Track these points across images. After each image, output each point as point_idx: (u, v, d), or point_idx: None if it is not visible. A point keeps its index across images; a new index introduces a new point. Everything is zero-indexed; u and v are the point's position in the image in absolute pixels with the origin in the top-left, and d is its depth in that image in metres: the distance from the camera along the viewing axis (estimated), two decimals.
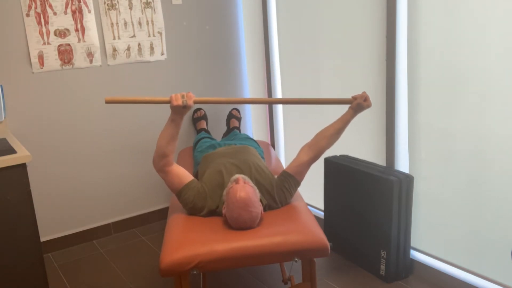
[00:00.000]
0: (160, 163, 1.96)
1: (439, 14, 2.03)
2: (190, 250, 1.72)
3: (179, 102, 1.84)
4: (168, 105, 1.91)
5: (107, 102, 1.87)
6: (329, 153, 2.82)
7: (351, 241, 2.52)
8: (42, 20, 2.66)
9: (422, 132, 2.22)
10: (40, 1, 2.64)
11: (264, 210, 2.03)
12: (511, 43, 1.79)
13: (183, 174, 2.01)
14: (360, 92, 2.52)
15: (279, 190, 2.05)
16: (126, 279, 2.52)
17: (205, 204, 1.99)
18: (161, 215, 3.28)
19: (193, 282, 2.39)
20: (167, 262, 1.70)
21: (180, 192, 2.00)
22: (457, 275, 2.18)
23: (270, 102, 2.04)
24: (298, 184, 2.10)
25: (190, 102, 1.85)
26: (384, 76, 2.35)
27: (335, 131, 2.08)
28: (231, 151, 2.29)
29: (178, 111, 1.87)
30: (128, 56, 2.97)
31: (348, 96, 2.60)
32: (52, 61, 2.73)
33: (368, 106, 2.05)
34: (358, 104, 2.04)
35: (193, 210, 2.00)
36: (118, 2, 2.88)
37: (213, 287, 2.39)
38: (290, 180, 2.06)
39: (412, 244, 2.38)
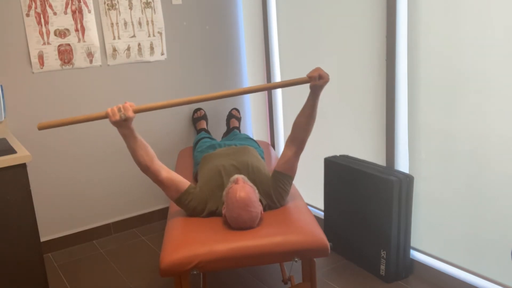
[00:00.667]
0: (149, 174, 1.92)
1: (439, 14, 2.03)
2: (190, 250, 1.72)
3: (117, 116, 1.75)
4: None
5: (40, 129, 1.77)
6: (329, 153, 2.82)
7: (351, 241, 2.52)
8: (42, 20, 2.66)
9: (422, 132, 2.22)
10: (40, 1, 2.64)
11: (264, 210, 2.03)
12: (511, 43, 1.79)
13: (178, 180, 1.96)
14: (362, 91, 2.52)
15: (275, 189, 2.05)
16: (126, 279, 2.52)
17: (205, 206, 1.99)
18: (161, 215, 3.28)
19: (193, 282, 2.39)
20: (167, 262, 1.70)
21: (179, 199, 1.98)
22: (457, 275, 2.18)
23: (230, 95, 1.92)
24: (291, 179, 2.08)
25: (129, 113, 1.75)
26: (384, 76, 2.35)
27: (307, 118, 1.98)
28: (231, 151, 2.29)
29: (120, 124, 1.78)
30: (128, 56, 2.97)
31: (349, 95, 2.60)
32: (52, 61, 2.73)
33: (325, 82, 1.91)
34: (314, 85, 1.92)
35: (193, 214, 2.00)
36: (118, 2, 2.88)
37: (213, 287, 2.39)
38: (282, 177, 2.05)
39: (412, 244, 2.38)
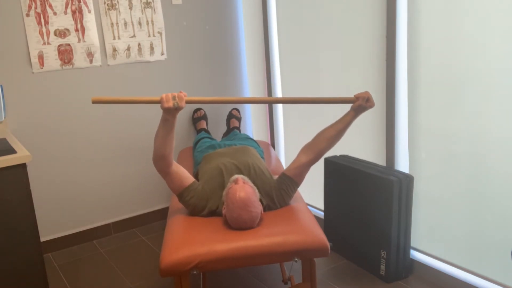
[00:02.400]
0: (160, 164, 1.92)
1: (439, 14, 2.03)
2: (190, 250, 1.72)
3: (170, 104, 1.77)
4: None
5: (94, 102, 1.80)
6: (329, 153, 2.82)
7: (351, 241, 2.52)
8: (42, 20, 2.66)
9: (422, 132, 2.22)
10: (40, 1, 2.64)
11: (264, 210, 2.03)
12: (511, 43, 1.79)
13: (184, 175, 1.99)
14: (361, 91, 2.52)
15: (278, 192, 2.05)
16: (126, 279, 2.52)
17: (206, 204, 2.00)
18: (161, 215, 3.28)
19: (193, 282, 2.39)
20: (167, 262, 1.70)
21: (181, 194, 1.99)
22: (457, 275, 2.18)
23: (268, 102, 1.98)
24: (297, 185, 2.08)
25: (182, 104, 1.79)
26: (384, 76, 2.35)
27: (336, 132, 2.01)
28: (231, 151, 2.29)
29: (170, 112, 1.80)
30: (128, 56, 2.97)
31: (349, 95, 2.60)
32: (52, 61, 2.73)
33: (371, 106, 1.97)
34: (359, 106, 1.96)
35: (194, 211, 2.01)
36: (118, 2, 2.88)
37: (213, 287, 2.39)
38: (289, 182, 2.05)
39: (412, 244, 2.38)
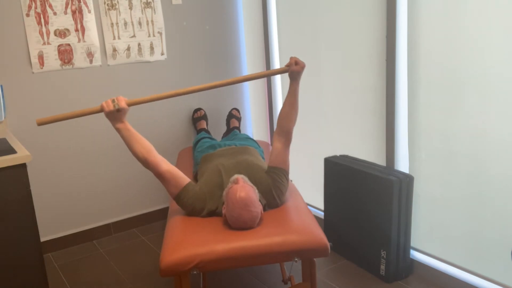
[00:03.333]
0: (148, 167, 1.94)
1: (439, 14, 2.03)
2: (190, 250, 1.72)
3: (110, 107, 1.83)
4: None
5: (39, 124, 1.83)
6: (329, 153, 2.82)
7: (351, 241, 2.52)
8: (42, 20, 2.66)
9: (422, 132, 2.22)
10: (40, 1, 2.64)
11: (264, 209, 2.03)
12: (511, 43, 1.79)
13: (178, 176, 1.98)
14: (361, 91, 2.52)
15: (275, 186, 2.05)
16: (126, 279, 2.52)
17: (204, 205, 1.99)
18: (161, 215, 3.28)
19: (193, 282, 2.39)
20: (167, 262, 1.70)
21: (178, 196, 1.98)
22: (457, 275, 2.18)
23: (208, 88, 2.00)
24: (286, 173, 2.08)
25: (121, 104, 1.84)
26: (384, 76, 2.35)
27: (289, 107, 2.08)
28: (231, 151, 2.29)
29: (114, 116, 1.85)
30: (128, 56, 2.97)
31: (349, 95, 2.61)
32: (52, 61, 2.73)
33: (302, 67, 2.04)
34: (292, 71, 2.04)
35: (192, 212, 2.00)
36: (118, 2, 2.88)
37: (213, 287, 2.39)
38: (278, 171, 2.05)
39: (412, 244, 2.38)
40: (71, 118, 1.87)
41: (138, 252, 2.84)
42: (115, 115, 1.85)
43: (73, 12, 2.74)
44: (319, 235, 1.80)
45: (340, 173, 2.52)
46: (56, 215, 2.90)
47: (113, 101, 1.84)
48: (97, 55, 2.86)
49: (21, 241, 1.96)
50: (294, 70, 2.03)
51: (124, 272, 2.61)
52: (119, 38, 2.92)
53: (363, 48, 2.45)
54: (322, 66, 2.76)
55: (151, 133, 3.15)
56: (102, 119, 2.95)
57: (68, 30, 2.74)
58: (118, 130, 1.89)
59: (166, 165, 1.96)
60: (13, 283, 1.97)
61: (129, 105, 1.88)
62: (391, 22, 2.23)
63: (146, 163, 1.93)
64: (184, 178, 2.00)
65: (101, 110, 1.85)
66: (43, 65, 2.70)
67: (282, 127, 2.08)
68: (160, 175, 1.95)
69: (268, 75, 2.10)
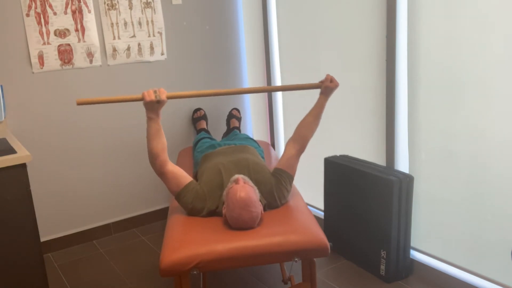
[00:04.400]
0: (155, 163, 1.97)
1: (439, 14, 2.03)
2: (190, 250, 1.72)
3: (152, 97, 1.88)
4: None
5: (79, 104, 1.89)
6: (329, 153, 2.82)
7: (351, 241, 2.52)
8: (42, 20, 2.66)
9: (422, 132, 2.22)
10: (40, 1, 2.64)
11: (264, 209, 2.03)
12: (511, 43, 1.79)
13: (181, 175, 2.01)
14: (361, 91, 2.52)
15: (277, 187, 2.05)
16: (126, 279, 2.52)
17: (204, 205, 1.99)
18: (161, 215, 3.28)
19: (193, 282, 2.39)
20: (167, 262, 1.70)
21: (179, 195, 1.99)
22: (457, 275, 2.18)
23: (243, 92, 2.12)
24: (291, 178, 2.10)
25: (163, 97, 1.89)
26: (384, 76, 2.35)
27: (313, 117, 2.14)
28: (231, 151, 2.29)
29: (152, 107, 1.90)
30: (128, 56, 2.97)
31: (349, 95, 2.61)
32: (52, 61, 2.73)
33: (336, 86, 2.12)
34: (326, 87, 2.11)
35: (192, 212, 2.00)
36: (118, 2, 2.88)
37: (213, 287, 2.39)
38: (284, 175, 2.07)
39: (412, 244, 2.38)
40: (110, 102, 1.92)
41: (138, 252, 2.84)
42: (154, 106, 1.90)
43: (73, 12, 2.74)
44: (319, 235, 1.80)
45: (340, 173, 2.52)
46: (56, 215, 2.90)
47: (154, 91, 1.89)
48: (97, 55, 2.86)
49: (21, 241, 1.96)
50: (328, 86, 2.11)
51: (124, 272, 2.61)
52: (119, 38, 2.92)
53: (363, 48, 2.45)
54: (322, 66, 2.76)
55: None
56: (102, 120, 2.95)
57: (68, 30, 2.74)
58: (150, 119, 1.93)
59: (171, 165, 2.00)
60: (13, 283, 1.97)
61: (169, 98, 1.94)
62: (391, 22, 2.23)
63: (156, 159, 1.96)
64: (186, 177, 2.02)
65: (141, 98, 1.90)
66: (43, 65, 2.70)
67: (301, 135, 2.12)
68: (164, 174, 1.99)
69: (300, 88, 2.15)
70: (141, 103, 3.06)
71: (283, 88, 2.13)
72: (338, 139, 2.74)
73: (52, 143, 2.82)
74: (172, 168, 1.99)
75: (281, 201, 2.06)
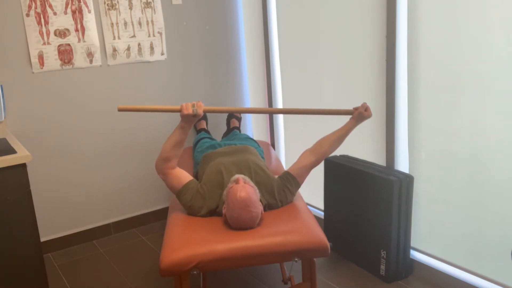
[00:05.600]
0: (163, 166, 2.01)
1: (439, 14, 2.03)
2: (190, 250, 1.72)
3: (190, 111, 1.90)
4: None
5: (120, 110, 1.95)
6: None
7: (351, 241, 2.52)
8: (42, 20, 2.66)
9: (422, 132, 2.22)
10: (40, 1, 2.64)
11: (264, 210, 2.03)
12: (511, 43, 1.79)
13: (182, 175, 2.05)
14: (361, 91, 2.52)
15: (280, 189, 2.05)
16: (126, 279, 2.52)
17: (203, 204, 2.00)
18: (161, 215, 3.28)
19: (193, 282, 2.39)
20: (167, 262, 1.70)
21: (179, 193, 2.01)
22: (457, 275, 2.18)
23: (275, 112, 2.14)
24: (298, 185, 2.12)
25: (200, 111, 1.92)
26: (384, 76, 2.35)
27: (337, 138, 2.14)
28: (231, 150, 2.29)
29: (188, 119, 1.93)
30: (128, 56, 2.97)
31: (349, 95, 2.61)
32: (52, 61, 2.73)
33: (369, 116, 2.12)
34: (359, 114, 2.11)
35: (191, 210, 2.01)
36: (118, 2, 2.88)
37: (213, 287, 2.39)
38: (292, 180, 2.09)
39: (412, 244, 2.38)
40: (150, 111, 1.99)
41: (138, 252, 2.84)
42: (190, 118, 1.93)
43: (73, 12, 2.74)
44: (319, 235, 1.80)
45: (340, 173, 2.52)
46: (56, 215, 2.90)
47: (193, 105, 1.92)
48: (97, 55, 2.86)
49: (21, 241, 1.96)
50: (362, 114, 2.10)
51: (124, 272, 2.61)
52: (119, 38, 2.92)
53: (363, 48, 2.45)
54: (322, 66, 2.76)
55: (151, 133, 3.15)
56: (102, 120, 2.95)
57: (68, 30, 2.74)
58: (181, 128, 1.96)
59: (177, 170, 2.05)
60: (13, 283, 1.97)
61: (205, 112, 2.01)
62: (391, 22, 2.23)
63: (167, 163, 2.00)
64: (187, 176, 2.05)
65: (179, 110, 1.94)
66: (43, 65, 2.70)
67: (320, 150, 2.13)
68: (166, 175, 2.03)
69: (332, 113, 2.16)
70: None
71: (313, 112, 2.12)
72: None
73: (52, 143, 2.82)
74: (176, 170, 2.04)
75: (282, 203, 2.06)
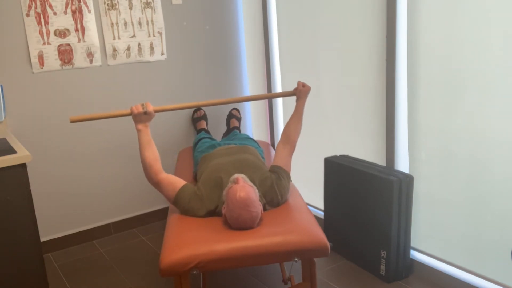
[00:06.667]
0: (150, 173, 2.02)
1: (439, 14, 2.03)
2: (190, 250, 1.72)
3: (140, 109, 2.00)
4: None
5: (72, 121, 1.99)
6: (329, 153, 2.82)
7: (351, 241, 2.52)
8: (42, 20, 2.66)
9: (422, 132, 2.22)
10: (40, 1, 2.64)
11: (264, 209, 2.03)
12: (511, 43, 1.79)
13: (175, 180, 2.04)
14: (361, 91, 2.52)
15: (279, 182, 2.05)
16: (126, 279, 2.52)
17: (201, 205, 1.99)
18: (161, 215, 3.28)
19: (193, 282, 2.39)
20: (167, 262, 1.70)
21: (176, 197, 2.00)
22: (457, 275, 2.18)
23: (225, 103, 2.25)
24: (288, 174, 2.15)
25: (149, 109, 2.01)
26: (384, 76, 2.35)
27: (295, 120, 2.27)
28: (231, 151, 2.29)
29: (140, 119, 2.01)
30: (128, 56, 2.97)
31: (349, 95, 2.61)
32: (52, 61, 2.73)
33: (309, 89, 2.29)
34: (299, 92, 2.28)
35: (190, 212, 2.00)
36: (118, 2, 2.88)
37: (213, 287, 2.39)
38: (281, 171, 2.12)
39: (412, 244, 2.38)
40: (101, 119, 2.06)
41: (138, 252, 2.84)
42: (142, 118, 2.01)
43: (73, 12, 2.74)
44: (319, 235, 1.80)
45: (340, 173, 2.52)
46: (56, 215, 2.90)
47: (142, 104, 2.01)
48: (97, 55, 2.86)
49: (21, 241, 1.96)
50: (301, 90, 2.28)
51: (124, 272, 2.61)
52: (119, 38, 2.92)
53: (363, 48, 2.45)
54: (322, 66, 2.76)
55: (151, 132, 3.14)
56: (103, 120, 2.95)
57: (68, 30, 2.74)
58: (139, 131, 2.03)
59: (165, 174, 2.05)
60: (13, 283, 1.97)
61: (156, 111, 2.06)
62: (391, 22, 2.24)
63: (150, 169, 2.02)
64: (180, 181, 2.04)
65: (130, 113, 2.02)
66: (43, 65, 2.70)
67: (289, 138, 2.24)
68: (158, 182, 2.03)
69: (275, 96, 2.39)
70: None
71: (259, 97, 2.31)
72: (338, 139, 2.74)
73: (52, 143, 2.82)
74: (166, 175, 2.04)
75: (282, 197, 2.06)
